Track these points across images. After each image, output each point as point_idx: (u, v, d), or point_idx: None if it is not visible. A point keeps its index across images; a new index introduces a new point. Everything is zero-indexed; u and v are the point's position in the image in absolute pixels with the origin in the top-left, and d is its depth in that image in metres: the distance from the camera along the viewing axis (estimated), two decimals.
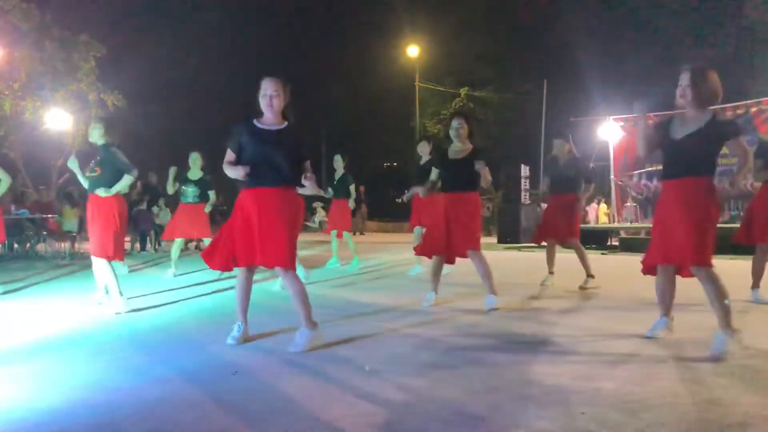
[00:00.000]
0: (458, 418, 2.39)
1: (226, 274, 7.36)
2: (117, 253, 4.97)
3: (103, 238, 4.89)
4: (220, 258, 3.67)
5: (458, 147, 5.01)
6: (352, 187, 8.41)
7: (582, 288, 6.05)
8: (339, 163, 8.46)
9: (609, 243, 12.36)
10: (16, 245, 11.09)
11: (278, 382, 2.92)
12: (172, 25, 24.11)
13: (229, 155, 3.68)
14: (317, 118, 26.15)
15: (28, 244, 11.16)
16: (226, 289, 6.24)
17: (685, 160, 3.46)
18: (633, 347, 3.55)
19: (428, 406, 2.54)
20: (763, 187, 5.21)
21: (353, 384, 2.87)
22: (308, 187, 3.65)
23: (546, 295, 5.79)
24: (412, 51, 25.40)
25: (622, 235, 11.87)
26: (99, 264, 4.94)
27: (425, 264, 6.94)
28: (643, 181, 12.37)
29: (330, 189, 8.40)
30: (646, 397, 2.59)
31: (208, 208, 7.73)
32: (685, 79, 3.48)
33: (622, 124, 12.60)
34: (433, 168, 5.28)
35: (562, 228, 6.11)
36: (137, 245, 12.19)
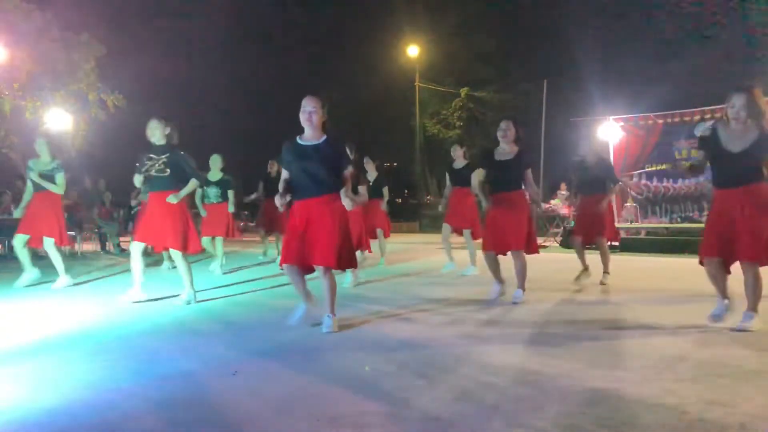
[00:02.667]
0: (458, 418, 2.39)
1: (225, 277, 7.47)
2: (189, 246, 5.29)
3: (175, 232, 5.18)
4: (282, 256, 4.11)
5: (505, 149, 5.16)
6: (386, 189, 8.47)
7: (601, 283, 6.31)
8: (370, 165, 8.52)
9: (609, 243, 12.32)
10: None
11: (278, 382, 2.93)
12: (172, 25, 24.11)
13: (284, 173, 4.14)
14: None
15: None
16: (226, 293, 6.25)
17: (743, 170, 3.84)
18: (633, 347, 3.56)
19: (428, 406, 2.54)
20: None
21: (353, 383, 2.87)
22: (343, 201, 3.93)
23: (547, 296, 5.78)
24: (412, 51, 25.38)
25: (622, 235, 11.85)
26: (177, 257, 5.28)
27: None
28: (643, 181, 12.32)
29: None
30: (646, 397, 2.59)
31: (231, 208, 8.01)
32: (739, 100, 3.80)
33: (622, 124, 12.55)
34: (479, 169, 5.66)
35: (589, 228, 6.38)
36: None
